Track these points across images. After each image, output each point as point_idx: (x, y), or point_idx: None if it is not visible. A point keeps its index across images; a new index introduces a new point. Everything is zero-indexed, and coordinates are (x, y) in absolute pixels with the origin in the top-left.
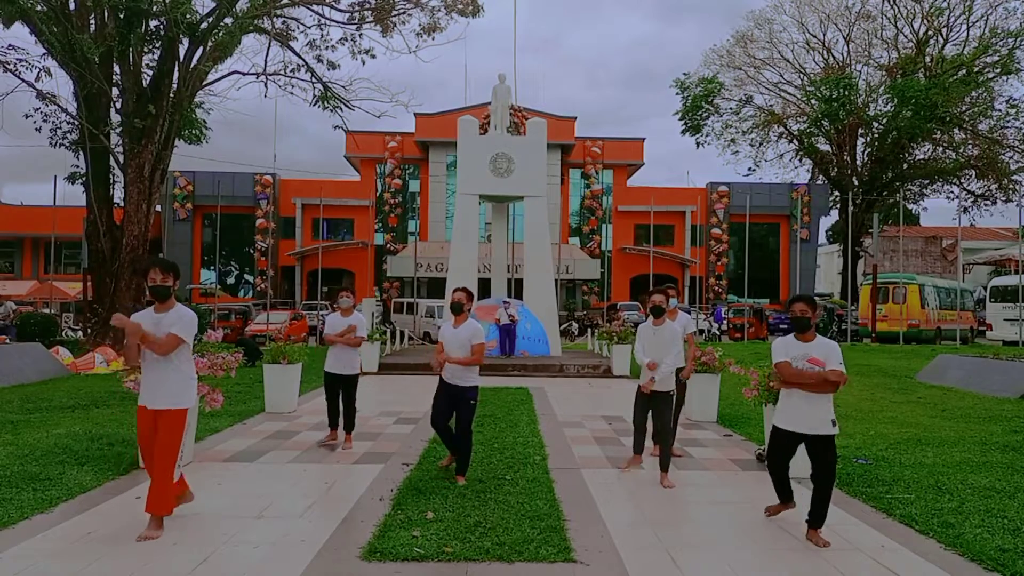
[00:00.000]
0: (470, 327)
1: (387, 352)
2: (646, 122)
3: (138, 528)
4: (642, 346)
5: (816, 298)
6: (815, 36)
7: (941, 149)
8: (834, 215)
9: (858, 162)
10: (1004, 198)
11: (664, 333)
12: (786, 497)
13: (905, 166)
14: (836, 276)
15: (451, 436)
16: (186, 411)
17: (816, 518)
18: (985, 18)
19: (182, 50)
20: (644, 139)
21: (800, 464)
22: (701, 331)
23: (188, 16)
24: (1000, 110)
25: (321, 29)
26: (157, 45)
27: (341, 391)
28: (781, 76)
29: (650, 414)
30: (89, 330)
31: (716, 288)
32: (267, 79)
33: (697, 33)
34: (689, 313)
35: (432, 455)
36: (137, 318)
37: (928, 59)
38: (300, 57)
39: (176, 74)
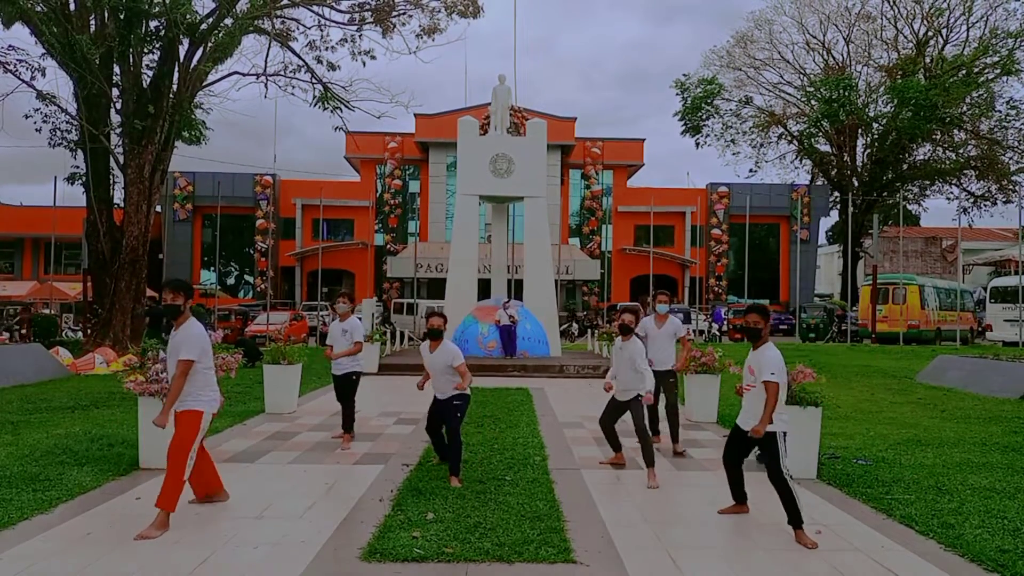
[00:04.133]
0: (448, 350)
1: (387, 353)
2: (642, 123)
3: (139, 528)
4: (614, 359)
5: (817, 299)
6: (815, 37)
7: (941, 150)
8: (834, 216)
9: (858, 163)
10: (1004, 199)
11: (627, 350)
12: (739, 498)
13: (905, 167)
14: (836, 277)
15: (441, 442)
16: (201, 413)
17: (791, 518)
18: (985, 19)
19: (182, 51)
20: (644, 140)
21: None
22: (701, 332)
23: (188, 17)
24: (1000, 111)
25: (321, 30)
26: (157, 46)
27: (341, 391)
28: (781, 77)
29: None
30: (89, 331)
31: (716, 289)
32: (267, 80)
33: (690, 35)
34: (689, 317)
35: (432, 456)
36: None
37: (928, 60)
38: (300, 58)
39: (176, 75)
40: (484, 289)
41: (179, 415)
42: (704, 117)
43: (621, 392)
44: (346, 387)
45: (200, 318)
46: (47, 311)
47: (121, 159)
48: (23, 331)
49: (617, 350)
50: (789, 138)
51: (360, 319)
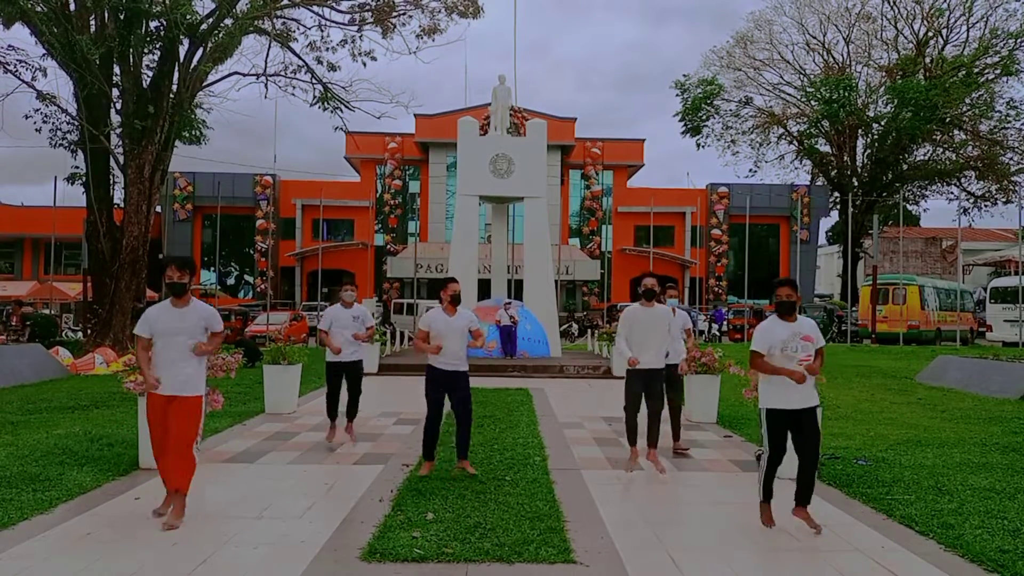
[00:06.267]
0: (467, 314)
1: (387, 353)
2: (640, 125)
3: (138, 528)
4: (629, 328)
5: (817, 299)
6: (815, 37)
7: (941, 150)
8: (834, 216)
9: (858, 163)
10: (1004, 199)
11: (655, 315)
12: (770, 494)
13: (905, 167)
14: (836, 277)
15: (434, 441)
16: (202, 398)
17: (805, 495)
18: (985, 19)
19: (182, 51)
20: (644, 140)
21: (790, 464)
22: (701, 332)
23: (188, 17)
24: (1000, 111)
25: (321, 30)
26: (157, 46)
27: (348, 379)
28: (781, 77)
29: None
30: (89, 331)
31: (716, 289)
32: (267, 80)
33: (687, 37)
34: (690, 314)
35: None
36: (157, 312)
37: (928, 60)
38: (300, 58)
39: (176, 75)
40: (484, 289)
41: (186, 400)
42: (704, 117)
43: (650, 363)
44: (355, 374)
45: None
46: (47, 311)
47: (121, 159)
48: (17, 327)
49: (642, 315)
50: (789, 138)
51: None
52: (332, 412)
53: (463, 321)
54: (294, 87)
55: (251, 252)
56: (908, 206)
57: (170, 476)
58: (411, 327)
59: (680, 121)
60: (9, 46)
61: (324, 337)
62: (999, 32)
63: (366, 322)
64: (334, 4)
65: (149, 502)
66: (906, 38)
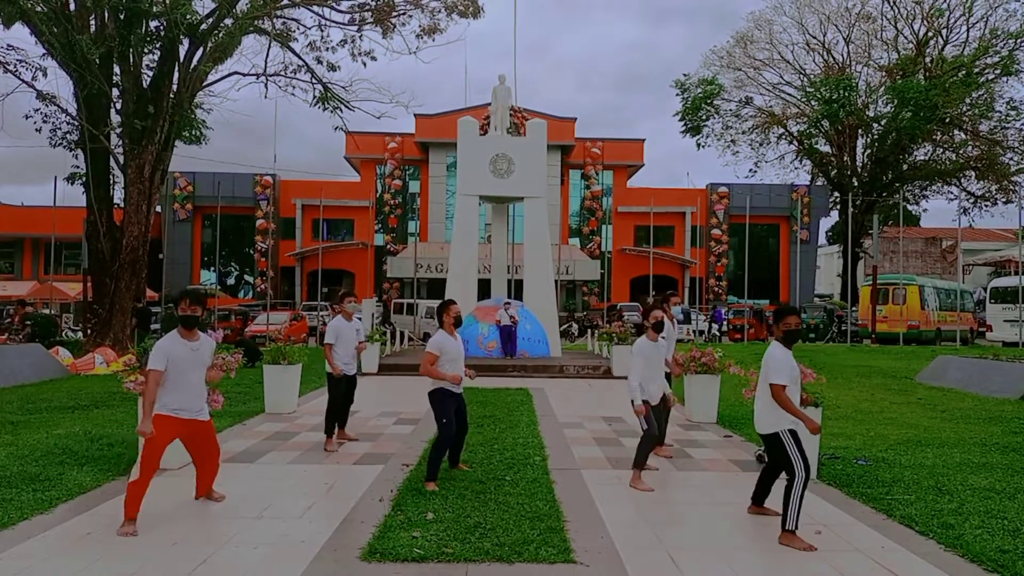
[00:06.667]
0: (459, 338)
1: (387, 353)
2: (640, 125)
3: (139, 528)
4: (644, 362)
5: (817, 299)
6: (815, 37)
7: (941, 150)
8: (834, 216)
9: (858, 163)
10: (1004, 199)
11: (660, 348)
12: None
13: (905, 167)
14: (836, 277)
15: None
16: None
17: (765, 496)
18: (985, 19)
19: (182, 51)
20: (644, 140)
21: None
22: (701, 332)
23: (188, 17)
24: (1000, 111)
25: (321, 30)
26: (157, 46)
27: (347, 391)
28: (781, 77)
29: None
30: (89, 331)
31: (716, 289)
32: (267, 80)
33: (686, 37)
34: (689, 317)
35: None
36: (169, 344)
37: (928, 60)
38: (300, 58)
39: (176, 75)
40: (484, 289)
41: (204, 423)
42: (704, 117)
43: (656, 395)
44: (353, 385)
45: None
46: (47, 311)
47: (121, 159)
48: (17, 327)
49: (650, 350)
50: (789, 138)
51: (360, 318)
52: (332, 427)
53: (461, 343)
54: (294, 87)
55: (251, 252)
56: (908, 206)
57: (204, 482)
58: (411, 327)
59: (680, 121)
60: (9, 46)
61: (328, 353)
62: (999, 32)
63: (361, 335)
64: (334, 4)
65: (149, 503)
66: (906, 38)
